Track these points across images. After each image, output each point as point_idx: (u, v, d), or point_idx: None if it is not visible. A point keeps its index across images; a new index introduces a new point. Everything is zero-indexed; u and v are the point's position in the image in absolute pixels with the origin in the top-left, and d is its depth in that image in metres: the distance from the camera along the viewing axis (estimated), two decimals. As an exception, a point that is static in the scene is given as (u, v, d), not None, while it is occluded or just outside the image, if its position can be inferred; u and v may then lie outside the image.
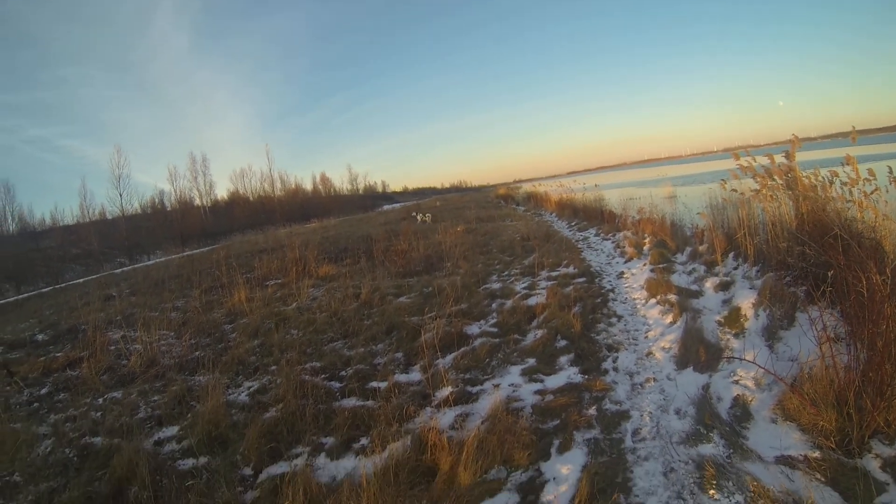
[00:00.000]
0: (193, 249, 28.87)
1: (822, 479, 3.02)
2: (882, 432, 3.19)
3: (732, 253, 7.20)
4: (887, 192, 5.37)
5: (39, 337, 9.45)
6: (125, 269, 25.47)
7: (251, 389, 5.65)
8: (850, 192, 5.57)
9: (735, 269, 6.80)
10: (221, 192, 75.48)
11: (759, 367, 4.02)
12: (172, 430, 4.93)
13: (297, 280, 11.23)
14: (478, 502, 3.37)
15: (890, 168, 5.42)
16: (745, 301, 5.44)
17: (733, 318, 5.37)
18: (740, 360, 4.35)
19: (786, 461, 3.25)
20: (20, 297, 19.65)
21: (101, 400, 5.87)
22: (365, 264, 12.56)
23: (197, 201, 55.80)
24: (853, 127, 6.12)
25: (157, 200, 53.66)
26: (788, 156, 6.15)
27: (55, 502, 3.95)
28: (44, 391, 6.47)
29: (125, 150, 71.50)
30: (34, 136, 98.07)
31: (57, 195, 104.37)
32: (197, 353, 7.15)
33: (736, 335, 5.08)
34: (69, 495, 3.96)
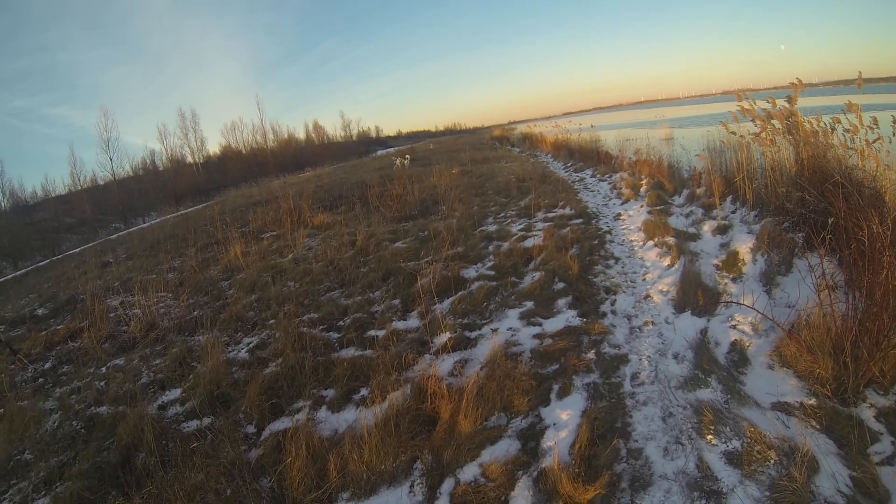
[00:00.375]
0: (188, 208, 28.43)
1: (818, 427, 3.05)
2: (877, 382, 3.20)
3: (730, 196, 7.14)
4: (890, 142, 5.25)
5: (39, 311, 9.38)
6: (121, 233, 25.15)
7: (250, 345, 5.65)
8: (853, 140, 5.45)
9: (733, 212, 6.75)
10: (213, 147, 74.67)
11: (758, 311, 4.02)
12: (175, 393, 4.95)
13: (293, 231, 11.14)
14: (479, 450, 3.40)
15: (894, 117, 5.29)
16: (744, 245, 5.41)
17: (731, 263, 5.35)
18: (738, 304, 4.35)
19: (782, 407, 3.28)
20: (18, 273, 19.40)
21: (103, 369, 5.87)
22: (360, 211, 12.46)
23: (189, 158, 54.89)
24: (859, 73, 5.94)
25: (148, 161, 52.69)
26: (790, 100, 6.00)
27: (66, 475, 3.97)
28: (47, 365, 6.46)
29: (112, 112, 70.10)
30: (18, 107, 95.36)
31: (47, 165, 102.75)
32: (195, 312, 7.13)
33: (734, 279, 5.08)
34: (79, 467, 3.99)
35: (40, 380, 6.05)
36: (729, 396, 3.48)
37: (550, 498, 2.95)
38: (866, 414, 3.07)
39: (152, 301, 7.54)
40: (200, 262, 10.18)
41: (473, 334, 4.99)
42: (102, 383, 5.46)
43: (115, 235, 24.28)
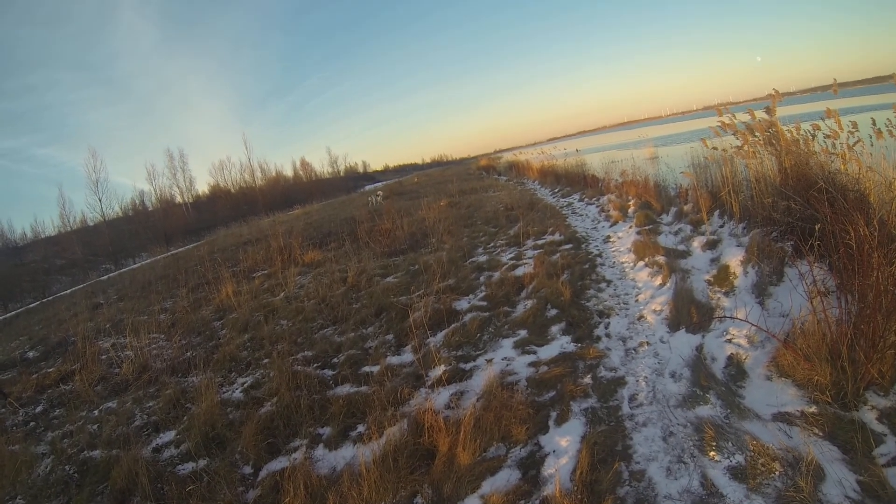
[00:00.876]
0: (178, 248, 28.35)
1: (821, 434, 3.03)
2: (876, 383, 3.19)
3: (718, 211, 7.19)
4: (871, 144, 5.33)
5: (30, 354, 9.30)
6: (111, 274, 25.02)
7: (245, 385, 5.59)
8: (833, 145, 5.53)
9: (721, 227, 6.79)
10: (202, 186, 74.37)
11: (751, 324, 4.01)
12: (170, 435, 4.89)
13: (284, 269, 11.11)
14: (479, 481, 3.35)
15: (873, 119, 5.38)
16: (734, 259, 5.43)
17: (722, 277, 5.36)
18: (732, 318, 4.35)
19: (783, 418, 3.26)
20: (8, 315, 19.27)
21: (96, 412, 5.80)
22: (350, 247, 12.45)
23: (178, 198, 54.59)
24: (834, 80, 6.05)
25: (137, 202, 52.28)
26: (769, 111, 6.10)
27: None
28: (39, 409, 6.38)
29: (100, 152, 70.01)
30: (5, 147, 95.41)
31: (36, 207, 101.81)
32: (188, 353, 7.08)
33: (726, 293, 5.08)
34: None
35: (31, 423, 5.96)
36: (729, 411, 3.46)
37: (555, 526, 2.90)
38: (868, 416, 3.05)
39: (144, 342, 7.48)
40: (192, 303, 10.15)
41: (468, 366, 4.95)
42: (95, 426, 5.38)
43: (106, 277, 24.12)
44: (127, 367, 6.77)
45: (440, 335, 5.80)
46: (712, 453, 3.11)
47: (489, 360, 4.93)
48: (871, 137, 5.36)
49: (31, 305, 20.56)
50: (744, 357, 3.98)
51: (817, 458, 2.76)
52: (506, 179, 29.02)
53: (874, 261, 3.21)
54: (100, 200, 43.00)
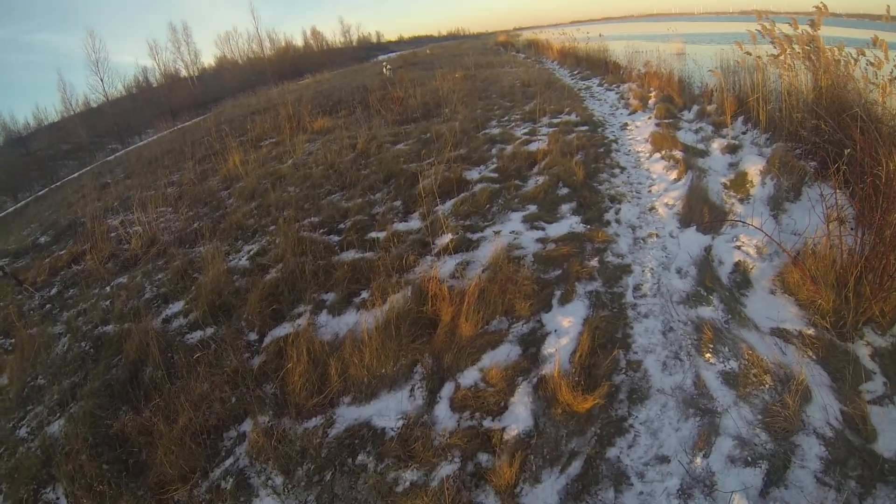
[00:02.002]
0: (185, 122, 27.07)
1: (814, 357, 2.96)
2: (876, 321, 3.09)
3: (742, 117, 6.76)
4: (916, 83, 4.88)
5: (42, 239, 9.12)
6: (118, 154, 24.13)
7: (251, 253, 5.49)
8: (875, 75, 5.06)
9: (744, 133, 6.42)
10: (208, 59, 70.32)
11: (765, 234, 3.81)
12: (178, 306, 4.84)
13: (292, 136, 10.69)
14: (479, 354, 3.31)
15: (922, 57, 4.89)
16: (753, 167, 5.13)
17: (739, 183, 5.09)
18: (745, 223, 4.12)
19: (781, 334, 3.17)
20: (18, 205, 18.78)
21: (108, 288, 5.73)
22: (361, 114, 11.90)
23: (183, 72, 51.41)
24: (887, 7, 5.45)
25: (141, 79, 49.24)
26: (813, 24, 5.52)
27: (78, 396, 3.91)
28: (53, 291, 6.31)
29: (99, 32, 65.62)
30: None
31: (37, 94, 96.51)
32: (195, 224, 6.93)
33: (741, 200, 4.85)
34: (90, 387, 3.93)
35: (47, 306, 5.94)
36: (729, 317, 3.36)
37: (549, 405, 2.87)
38: (862, 351, 2.97)
39: (152, 217, 7.30)
40: (199, 174, 9.86)
41: (476, 236, 4.81)
42: (107, 303, 5.36)
43: (113, 157, 23.38)
44: (136, 243, 6.67)
45: (449, 203, 5.61)
46: (708, 355, 3.04)
47: (497, 232, 4.79)
48: (918, 76, 4.89)
49: (40, 193, 20.11)
50: (751, 266, 3.84)
51: (807, 380, 2.70)
52: (524, 57, 27.52)
53: (899, 200, 2.99)
54: (102, 80, 40.97)
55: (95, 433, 3.48)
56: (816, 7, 5.53)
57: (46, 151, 34.96)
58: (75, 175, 21.42)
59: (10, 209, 18.80)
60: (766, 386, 2.76)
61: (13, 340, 5.16)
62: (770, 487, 2.31)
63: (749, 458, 2.42)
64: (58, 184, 21.04)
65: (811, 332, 3.09)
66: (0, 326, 5.68)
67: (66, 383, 4.19)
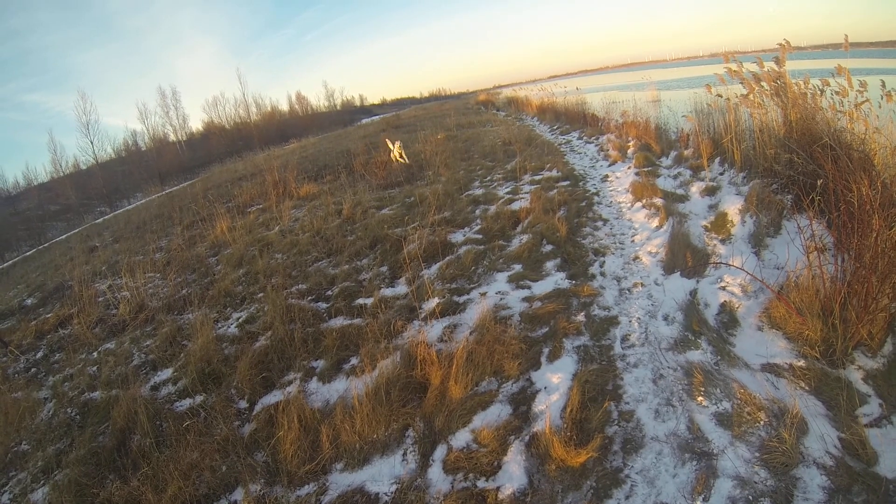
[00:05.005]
0: (173, 186, 27.57)
1: (807, 388, 3.03)
2: (865, 344, 3.18)
3: (719, 158, 7.04)
4: (879, 107, 5.14)
5: (28, 301, 9.18)
6: (106, 217, 24.48)
7: (240, 320, 5.58)
8: (841, 103, 5.35)
9: (721, 174, 6.67)
10: (196, 123, 72.05)
11: (747, 272, 3.97)
12: (167, 373, 4.90)
13: (278, 203, 10.98)
14: (470, 416, 3.36)
15: (883, 82, 5.17)
16: (732, 207, 5.35)
17: (720, 224, 5.29)
18: (728, 265, 4.29)
19: (771, 369, 3.26)
20: (5, 264, 18.92)
21: (95, 354, 5.78)
22: (345, 179, 12.26)
23: (172, 137, 52.85)
24: (845, 37, 5.81)
25: (130, 142, 50.27)
26: (778, 62, 5.86)
27: (63, 463, 3.91)
28: (39, 355, 6.35)
29: (90, 94, 67.58)
30: None
31: (27, 154, 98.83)
32: (184, 290, 7.03)
33: (723, 241, 5.02)
34: (76, 454, 3.94)
35: (33, 370, 5.96)
36: (719, 358, 3.45)
37: (543, 462, 2.91)
38: (855, 376, 3.05)
39: (140, 282, 7.41)
40: (187, 240, 10.02)
41: (462, 299, 4.92)
42: (95, 368, 5.39)
43: (101, 219, 23.66)
44: (124, 308, 6.73)
45: (434, 267, 5.75)
46: (700, 398, 3.11)
47: (483, 294, 4.90)
48: (881, 99, 5.17)
49: (28, 253, 20.23)
50: (737, 305, 3.96)
51: (802, 412, 2.77)
52: (504, 115, 28.38)
53: (874, 222, 3.14)
54: (91, 143, 41.63)
55: (81, 502, 3.46)
56: (780, 44, 5.86)
57: (35, 212, 35.03)
58: (63, 237, 21.46)
59: None
60: (761, 423, 2.82)
61: None
62: None
63: (750, 498, 2.45)
64: (46, 245, 21.03)
65: (801, 363, 3.18)
66: None
67: (52, 450, 4.16)
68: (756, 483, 2.52)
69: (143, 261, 8.91)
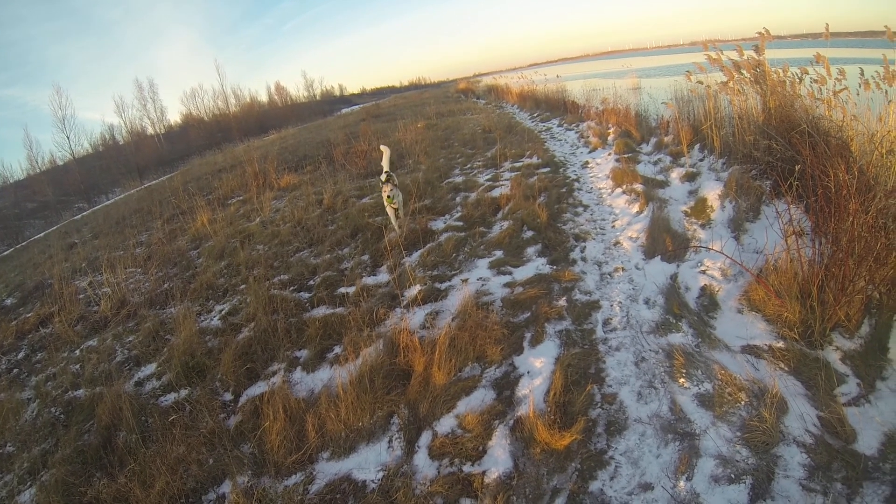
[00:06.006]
0: (152, 180, 26.99)
1: (786, 369, 3.09)
2: (843, 325, 3.25)
3: (698, 145, 7.10)
4: (857, 94, 5.21)
5: (8, 301, 8.97)
6: (85, 213, 23.89)
7: (222, 312, 5.53)
8: (820, 91, 5.41)
9: (701, 160, 6.73)
10: (174, 116, 70.84)
11: (727, 256, 4.02)
12: (151, 368, 4.85)
13: (259, 194, 10.78)
14: (454, 401, 3.37)
15: (861, 70, 5.25)
16: (712, 192, 5.40)
17: (699, 209, 5.34)
18: (707, 249, 4.36)
19: (751, 350, 3.32)
20: None
21: (77, 352, 5.70)
22: (326, 169, 12.08)
23: (150, 130, 51.71)
24: (826, 25, 5.87)
25: (107, 136, 49.41)
26: (758, 50, 5.91)
27: (49, 463, 3.87)
28: (21, 355, 6.24)
29: (66, 89, 66.21)
30: None
31: (2, 151, 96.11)
32: (165, 285, 6.93)
33: (702, 226, 5.08)
34: (62, 454, 3.90)
35: (14, 370, 5.85)
36: (700, 340, 3.50)
37: (528, 445, 2.93)
38: (833, 356, 3.11)
39: (121, 278, 7.28)
40: (168, 234, 9.87)
41: (444, 285, 4.92)
42: (77, 366, 5.31)
43: (80, 216, 23.07)
44: (105, 304, 6.63)
45: (416, 255, 5.74)
46: (682, 380, 3.16)
47: (465, 280, 4.91)
48: (858, 87, 5.25)
49: (6, 253, 19.68)
50: (717, 289, 4.02)
51: (781, 392, 2.83)
52: (484, 103, 28.32)
53: (851, 207, 3.19)
54: (68, 138, 40.62)
55: (69, 502, 3.44)
56: (760, 33, 5.91)
57: (11, 210, 33.90)
58: (41, 235, 20.98)
59: None
60: (742, 403, 2.87)
61: None
62: (756, 501, 2.39)
63: (732, 476, 2.51)
64: (23, 244, 20.54)
65: (781, 344, 3.24)
66: None
67: (37, 450, 4.11)
68: (738, 461, 2.57)
69: (124, 256, 8.74)
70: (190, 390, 4.26)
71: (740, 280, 4.00)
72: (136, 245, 9.83)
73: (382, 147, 6.88)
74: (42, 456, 4.01)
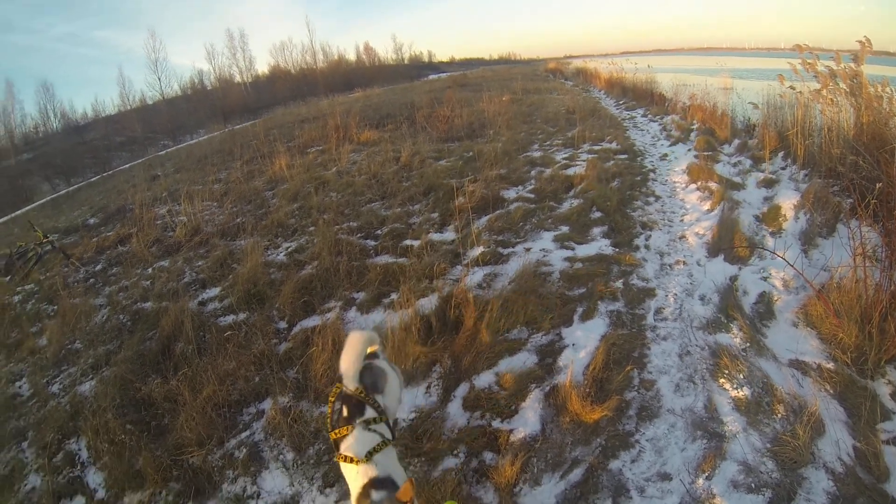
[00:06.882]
0: (236, 125, 27.86)
1: (831, 392, 2.87)
2: (900, 360, 2.98)
3: (782, 153, 6.63)
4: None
5: (91, 221, 9.57)
6: (169, 150, 24.78)
7: (289, 249, 5.68)
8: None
9: (783, 168, 6.29)
10: (262, 67, 71.87)
11: (791, 266, 3.75)
12: (214, 291, 5.08)
13: (338, 146, 10.92)
14: (497, 359, 3.36)
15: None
16: (788, 202, 5.04)
17: (772, 216, 5.01)
18: (774, 254, 4.06)
19: (799, 366, 3.10)
20: (71, 188, 19.48)
21: (150, 269, 6.04)
22: (407, 130, 12.07)
23: (237, 78, 52.94)
24: None
25: (196, 81, 51.24)
26: (856, 60, 5.40)
27: (112, 362, 4.15)
28: (98, 267, 6.66)
29: (159, 33, 67.68)
30: (63, 32, 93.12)
31: (96, 87, 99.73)
32: (238, 219, 7.17)
33: (772, 233, 4.77)
34: (124, 354, 4.18)
35: (91, 280, 6.28)
36: (748, 345, 3.29)
37: (559, 413, 2.89)
38: (883, 390, 2.86)
39: (198, 209, 7.63)
40: (246, 174, 10.14)
41: (506, 251, 4.87)
42: (148, 282, 5.64)
43: (164, 152, 23.92)
44: (180, 231, 6.96)
45: (484, 219, 5.68)
46: (722, 380, 3.01)
47: (528, 249, 4.84)
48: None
49: (92, 179, 20.69)
50: (775, 298, 3.78)
51: (821, 414, 2.62)
52: (572, 84, 27.41)
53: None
54: (159, 79, 42.82)
55: (123, 395, 3.70)
56: (860, 41, 5.42)
57: (101, 142, 35.70)
58: (126, 166, 22.00)
59: (63, 192, 19.33)
60: (779, 416, 2.71)
61: (56, 307, 5.46)
62: None
63: (753, 485, 2.38)
64: (109, 173, 21.62)
65: (830, 366, 3.01)
66: (46, 294, 6.05)
67: (102, 350, 4.43)
68: (762, 473, 2.43)
69: (202, 190, 9.12)
70: (248, 315, 4.43)
71: (801, 294, 3.74)
72: (215, 181, 10.20)
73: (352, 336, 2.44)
74: (106, 355, 4.32)
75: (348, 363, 2.22)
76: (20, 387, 4.42)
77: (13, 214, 15.32)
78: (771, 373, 3.01)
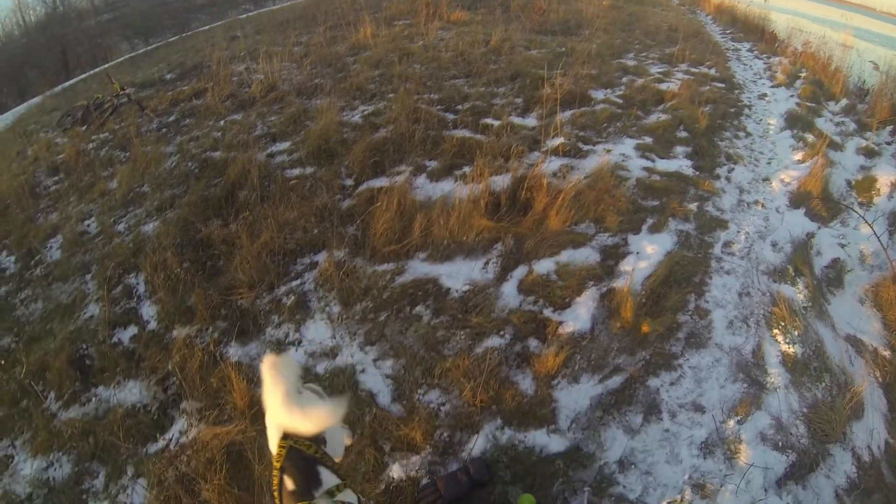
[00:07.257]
0: None
1: (880, 380, 2.69)
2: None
3: (892, 127, 5.92)
4: None
5: (168, 76, 9.06)
6: (250, 13, 23.53)
7: (365, 112, 5.38)
8: None
9: (888, 143, 5.62)
10: None
11: (879, 239, 3.44)
12: (285, 145, 4.89)
13: (427, 22, 10.03)
14: (560, 249, 3.21)
15: None
16: (886, 177, 4.54)
17: (865, 186, 4.53)
18: (864, 220, 3.72)
19: (855, 343, 2.89)
20: (149, 48, 18.43)
21: (222, 122, 5.79)
22: (500, 16, 11.05)
23: None
24: None
25: None
26: None
27: (176, 205, 4.13)
28: (171, 119, 6.43)
29: None
30: None
31: None
32: (316, 80, 6.74)
33: (861, 204, 4.33)
34: (188, 199, 4.14)
35: (163, 130, 6.12)
36: (810, 304, 3.06)
37: (611, 316, 2.78)
38: (933, 396, 2.63)
39: (276, 68, 7.18)
40: (329, 39, 9.47)
41: (586, 147, 4.55)
42: (219, 133, 5.45)
43: (245, 15, 22.80)
44: (256, 87, 6.62)
45: (568, 113, 5.28)
46: (776, 331, 2.82)
47: (608, 150, 4.50)
48: None
49: (171, 39, 19.67)
50: (849, 268, 3.46)
51: (864, 398, 2.47)
52: (677, 3, 25.21)
53: None
54: None
55: (184, 236, 3.74)
56: None
57: (181, 3, 34.64)
58: (206, 27, 21.26)
59: (141, 51, 18.89)
60: (823, 384, 2.56)
61: (128, 154, 5.46)
62: (788, 480, 2.18)
63: (780, 444, 2.28)
64: (189, 33, 20.97)
65: (886, 353, 2.80)
66: (119, 142, 5.98)
67: (168, 193, 4.43)
68: (791, 435, 2.33)
69: (282, 51, 8.55)
70: (315, 169, 4.31)
71: (875, 273, 3.45)
72: (296, 44, 9.55)
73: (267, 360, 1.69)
74: (171, 198, 4.30)
75: (283, 395, 1.53)
76: (88, 225, 4.50)
77: (93, 71, 14.99)
78: (826, 339, 2.82)
